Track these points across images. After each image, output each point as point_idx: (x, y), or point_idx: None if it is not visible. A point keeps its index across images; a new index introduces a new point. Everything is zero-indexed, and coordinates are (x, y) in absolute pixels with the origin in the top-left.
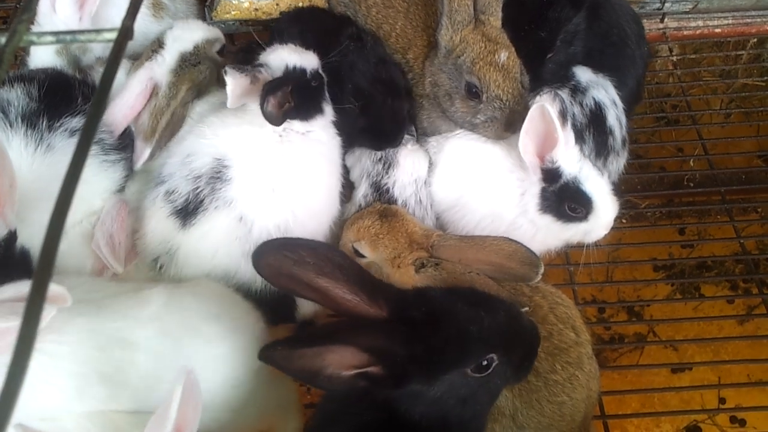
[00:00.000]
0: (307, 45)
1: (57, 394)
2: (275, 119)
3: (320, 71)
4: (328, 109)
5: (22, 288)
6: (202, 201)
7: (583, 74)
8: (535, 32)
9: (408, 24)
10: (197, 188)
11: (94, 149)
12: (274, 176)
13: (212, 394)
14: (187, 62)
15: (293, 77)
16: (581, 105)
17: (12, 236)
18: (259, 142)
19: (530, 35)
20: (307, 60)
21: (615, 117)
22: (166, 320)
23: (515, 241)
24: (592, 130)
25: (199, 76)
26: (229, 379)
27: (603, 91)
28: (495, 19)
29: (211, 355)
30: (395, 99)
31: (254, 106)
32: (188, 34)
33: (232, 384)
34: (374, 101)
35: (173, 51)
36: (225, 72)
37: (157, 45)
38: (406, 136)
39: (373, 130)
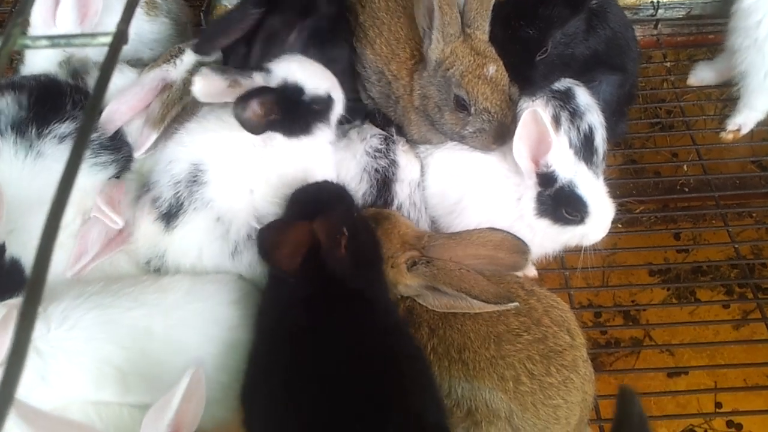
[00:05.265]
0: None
1: (72, 387)
2: (252, 126)
3: (330, 96)
4: (323, 133)
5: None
6: (182, 204)
7: (583, 97)
8: (524, 29)
9: (392, 36)
10: (177, 192)
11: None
12: (253, 178)
13: (231, 380)
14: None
15: (282, 92)
16: (578, 129)
17: (0, 249)
18: (239, 145)
19: (519, 32)
20: (313, 80)
21: (601, 136)
22: (187, 309)
23: (501, 230)
24: (583, 152)
25: None
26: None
27: (596, 115)
28: (482, 33)
29: (232, 341)
30: None
31: None
32: None
33: None
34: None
35: (193, 57)
36: (199, 71)
37: (177, 51)
38: (398, 137)
39: None
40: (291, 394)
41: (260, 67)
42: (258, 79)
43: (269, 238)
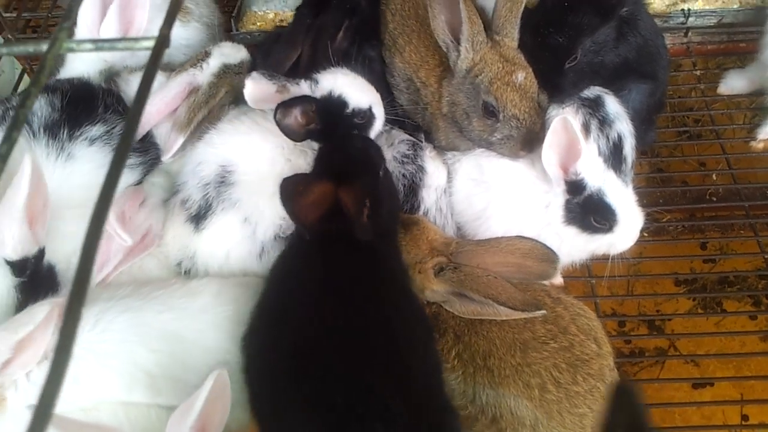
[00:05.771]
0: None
1: (103, 388)
2: (291, 133)
3: (372, 111)
4: None
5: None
6: (210, 205)
7: (612, 105)
8: (553, 37)
9: (421, 43)
10: (206, 194)
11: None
12: (277, 179)
13: None
14: (230, 70)
15: (325, 103)
16: (607, 138)
17: (41, 253)
18: (269, 147)
19: (548, 40)
20: (358, 95)
21: (630, 145)
22: (216, 312)
23: (530, 239)
24: (612, 160)
25: (240, 84)
26: None
27: (625, 123)
28: (510, 39)
29: None
30: None
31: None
32: (235, 52)
33: None
34: None
35: (218, 60)
36: (250, 75)
37: (203, 55)
38: (425, 143)
39: None
40: (293, 375)
41: (308, 76)
42: (304, 87)
43: (291, 187)
